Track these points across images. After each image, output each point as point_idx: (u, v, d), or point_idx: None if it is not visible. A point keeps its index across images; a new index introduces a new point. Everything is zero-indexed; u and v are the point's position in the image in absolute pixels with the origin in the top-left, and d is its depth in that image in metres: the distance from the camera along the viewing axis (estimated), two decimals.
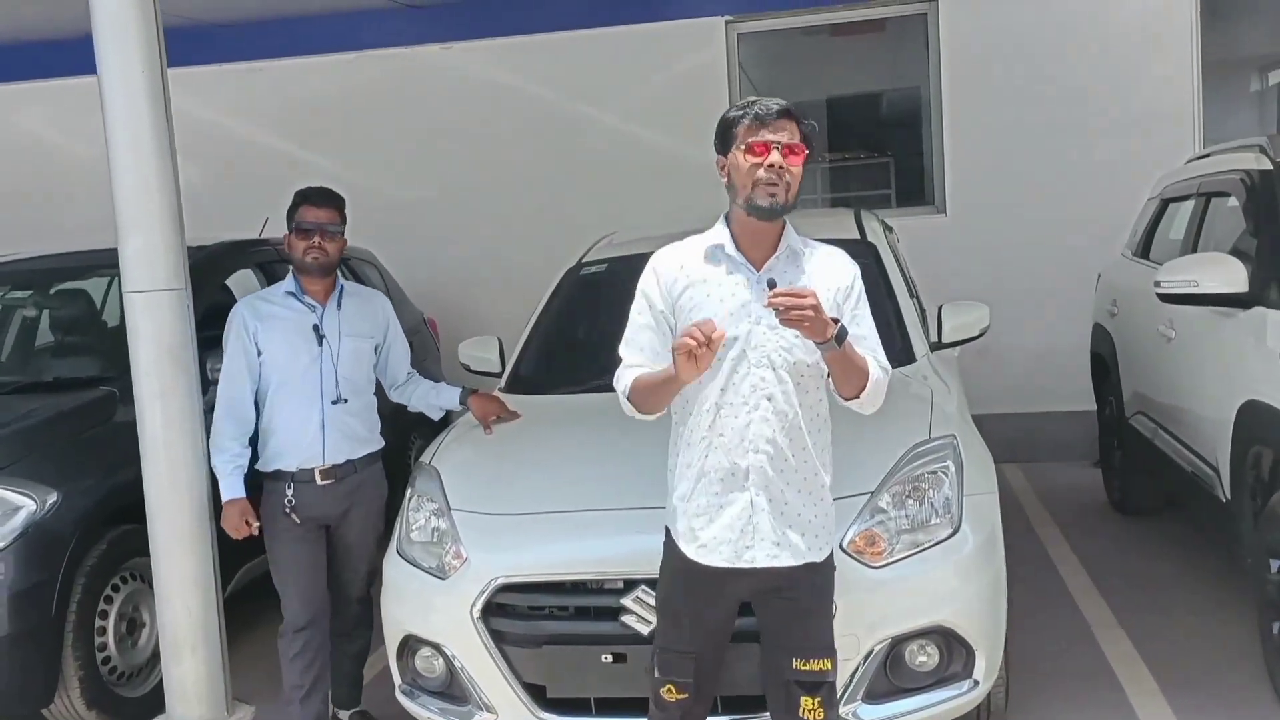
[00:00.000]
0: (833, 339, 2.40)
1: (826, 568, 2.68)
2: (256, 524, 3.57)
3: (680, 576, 2.67)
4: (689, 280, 2.61)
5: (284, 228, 3.69)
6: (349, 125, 8.06)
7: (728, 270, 2.59)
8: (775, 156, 2.49)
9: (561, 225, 6.70)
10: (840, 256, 2.70)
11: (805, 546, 2.60)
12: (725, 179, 2.60)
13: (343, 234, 3.70)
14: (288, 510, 3.59)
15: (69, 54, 7.10)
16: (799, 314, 2.33)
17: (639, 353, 2.66)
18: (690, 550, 2.62)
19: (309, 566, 3.66)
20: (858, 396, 2.57)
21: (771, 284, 2.44)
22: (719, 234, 2.63)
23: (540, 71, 7.83)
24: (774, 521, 2.57)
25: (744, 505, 2.57)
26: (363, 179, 7.97)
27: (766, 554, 2.57)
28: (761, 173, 2.49)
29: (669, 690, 2.71)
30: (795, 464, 2.58)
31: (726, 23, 7.63)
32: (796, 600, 2.62)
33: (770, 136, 2.50)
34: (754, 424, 2.55)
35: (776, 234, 2.61)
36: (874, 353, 2.61)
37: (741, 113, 2.54)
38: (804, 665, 2.62)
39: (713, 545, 2.59)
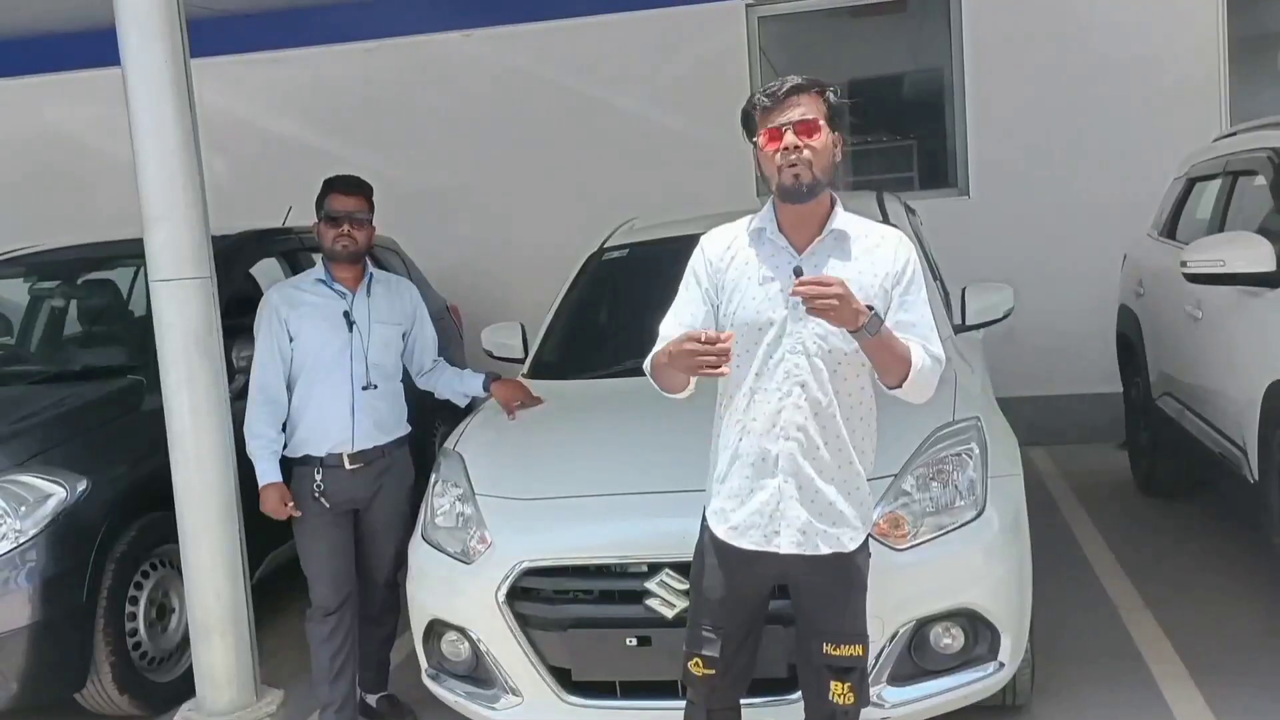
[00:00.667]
0: (864, 328, 2.36)
1: (859, 556, 2.64)
2: (294, 507, 3.60)
3: (712, 556, 2.67)
4: (733, 259, 2.61)
5: (307, 217, 3.72)
6: (371, 114, 8.08)
7: (770, 253, 2.57)
8: (789, 138, 2.46)
9: (583, 211, 6.69)
10: (894, 240, 2.62)
11: (836, 536, 2.57)
12: (758, 171, 2.60)
13: (371, 222, 3.75)
14: (317, 495, 3.63)
15: (95, 46, 7.12)
16: (824, 303, 2.30)
17: (676, 326, 2.63)
18: (721, 531, 2.63)
19: (338, 551, 3.70)
20: (901, 385, 2.52)
21: (798, 271, 2.43)
22: (765, 217, 2.62)
23: (561, 57, 7.82)
24: (802, 509, 2.55)
25: (773, 491, 2.56)
26: (385, 167, 7.98)
27: (792, 540, 2.56)
28: (779, 157, 2.47)
29: (696, 664, 2.70)
30: (828, 453, 2.55)
31: (747, 6, 7.59)
32: (827, 586, 2.62)
33: (781, 119, 2.47)
34: (785, 410, 2.53)
35: (821, 216, 2.56)
36: (925, 340, 2.55)
37: (755, 101, 2.53)
38: (835, 650, 2.61)
39: (743, 528, 2.60)
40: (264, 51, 8.13)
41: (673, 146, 7.48)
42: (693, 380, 2.55)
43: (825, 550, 2.57)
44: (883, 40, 8.28)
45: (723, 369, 2.36)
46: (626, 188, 7.39)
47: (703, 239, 2.71)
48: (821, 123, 2.49)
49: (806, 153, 2.46)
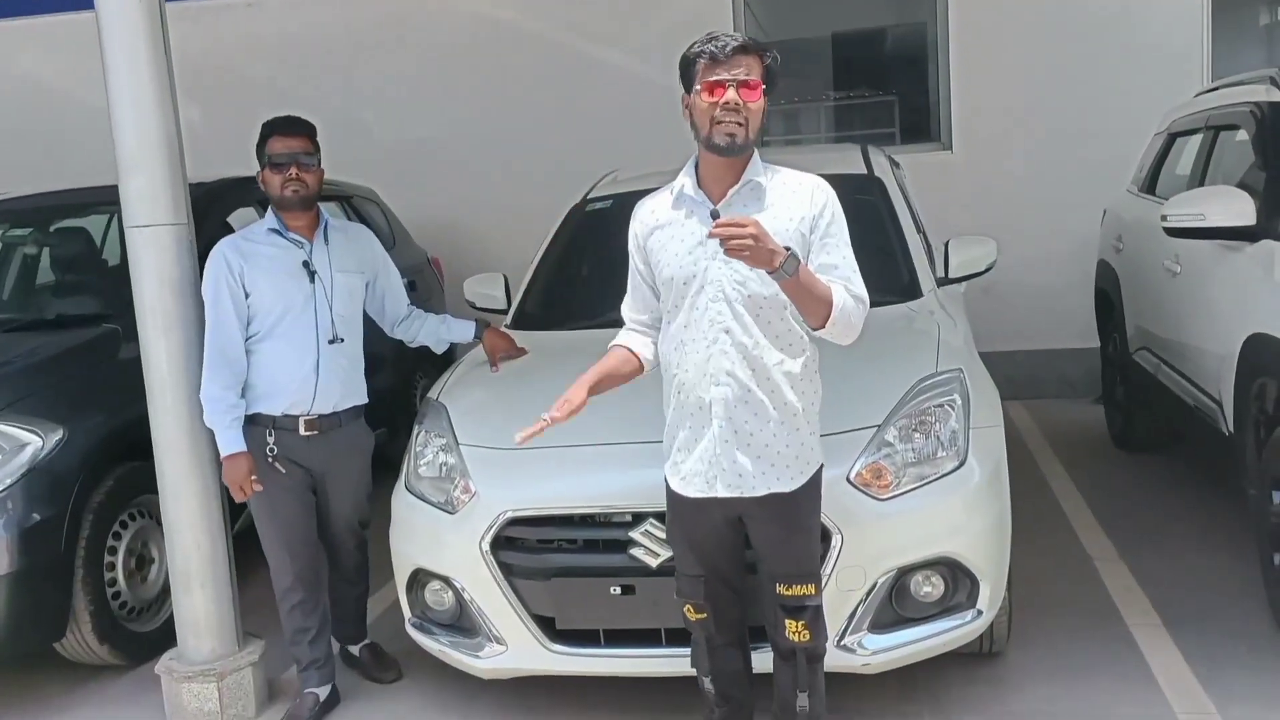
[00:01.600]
0: (781, 268, 2.41)
1: (803, 496, 2.68)
2: (257, 482, 3.45)
3: (672, 506, 2.79)
4: (656, 224, 2.71)
5: None
6: (352, 62, 7.97)
7: (688, 211, 2.65)
8: (731, 95, 2.50)
9: (566, 163, 6.63)
10: (809, 184, 2.67)
11: (774, 477, 2.63)
12: (687, 118, 2.62)
13: (319, 163, 3.56)
14: (271, 459, 3.48)
15: None
16: (739, 243, 2.35)
17: (632, 309, 2.88)
18: (674, 482, 2.73)
19: (297, 519, 3.57)
20: (825, 325, 2.58)
21: (715, 215, 2.50)
22: (684, 176, 2.68)
23: (545, 9, 7.72)
24: (738, 452, 2.62)
25: (711, 437, 2.63)
26: (366, 116, 7.93)
27: (728, 484, 2.63)
28: (718, 112, 2.51)
29: (689, 610, 2.83)
30: (760, 394, 2.60)
31: None
32: (774, 527, 2.68)
33: (725, 75, 2.51)
34: (714, 357, 2.60)
35: (739, 168, 2.62)
36: (846, 281, 2.61)
37: (698, 51, 2.55)
38: (786, 590, 2.69)
39: (690, 476, 2.68)
40: None
41: (656, 100, 7.34)
42: (646, 362, 2.79)
43: (763, 491, 2.63)
44: None
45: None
46: (609, 141, 7.32)
47: (634, 210, 2.80)
48: (762, 85, 2.55)
49: (744, 112, 2.52)
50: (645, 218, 2.74)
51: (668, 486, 2.77)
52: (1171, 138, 5.64)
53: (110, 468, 4.06)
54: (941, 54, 7.42)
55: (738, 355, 2.59)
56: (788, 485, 2.65)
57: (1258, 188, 4.08)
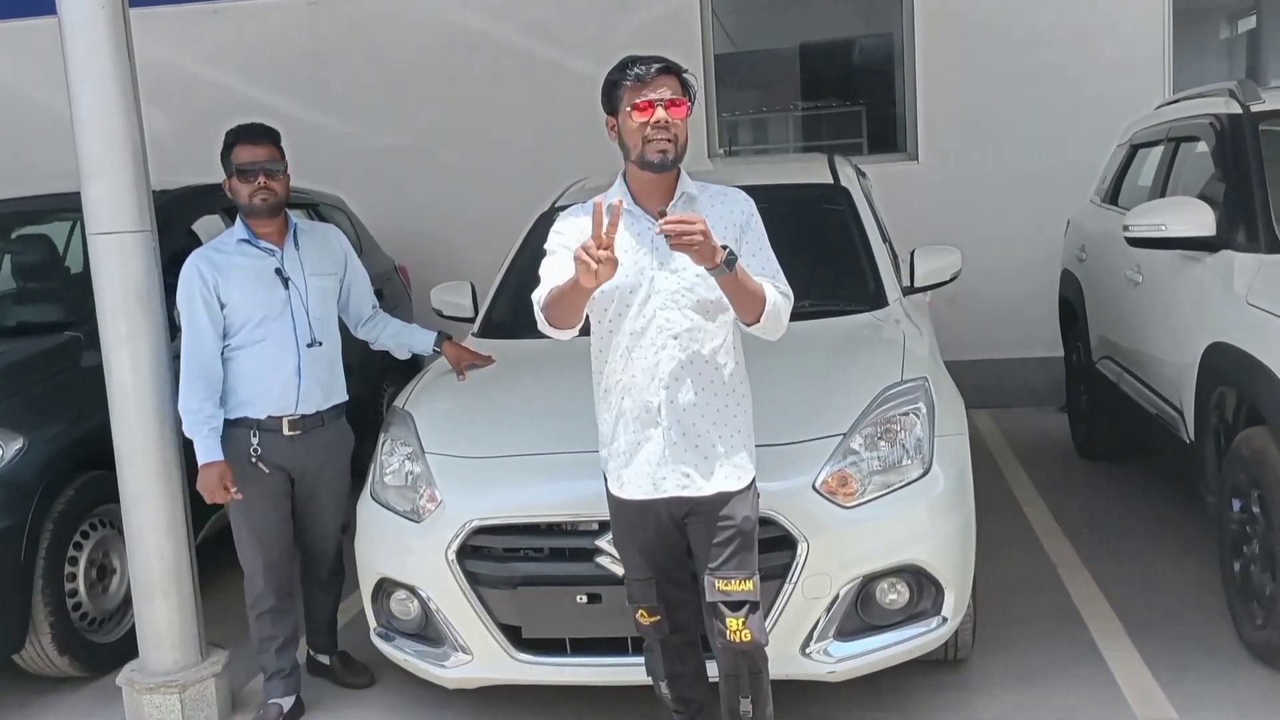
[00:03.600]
0: (722, 264, 2.50)
1: (747, 494, 2.75)
2: (237, 491, 3.45)
3: (616, 513, 2.84)
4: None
5: None
6: (318, 69, 7.92)
7: (628, 223, 2.68)
8: (660, 113, 2.60)
9: (534, 171, 6.65)
10: (734, 194, 2.82)
11: (722, 475, 2.70)
12: (615, 139, 2.72)
13: (285, 170, 3.56)
14: (254, 459, 3.49)
15: None
16: (689, 239, 2.43)
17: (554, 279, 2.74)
18: (615, 488, 2.78)
19: (273, 522, 3.58)
20: (759, 321, 2.66)
21: (662, 213, 2.55)
22: (618, 191, 2.74)
23: (513, 16, 7.71)
24: (686, 453, 2.69)
25: (658, 440, 2.70)
26: (332, 124, 7.88)
27: (677, 483, 2.70)
28: (650, 130, 2.61)
29: (642, 615, 2.88)
30: (706, 396, 2.70)
31: None
32: (717, 525, 2.72)
33: (652, 95, 2.61)
34: (662, 362, 2.68)
35: (671, 183, 2.72)
36: (774, 279, 2.73)
37: (621, 75, 2.66)
38: (725, 586, 2.71)
39: (634, 480, 2.73)
40: (205, 2, 7.92)
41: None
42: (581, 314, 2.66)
43: (710, 491, 2.70)
44: (834, 5, 8.28)
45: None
46: (577, 147, 7.28)
47: (556, 222, 2.81)
48: (689, 104, 2.67)
49: (674, 129, 2.62)
50: (577, 232, 2.67)
51: (609, 494, 2.82)
52: (1134, 149, 5.71)
53: (71, 477, 4.01)
54: (908, 65, 7.48)
55: (685, 359, 2.68)
56: (734, 484, 2.72)
57: (1217, 199, 4.14)
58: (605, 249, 2.40)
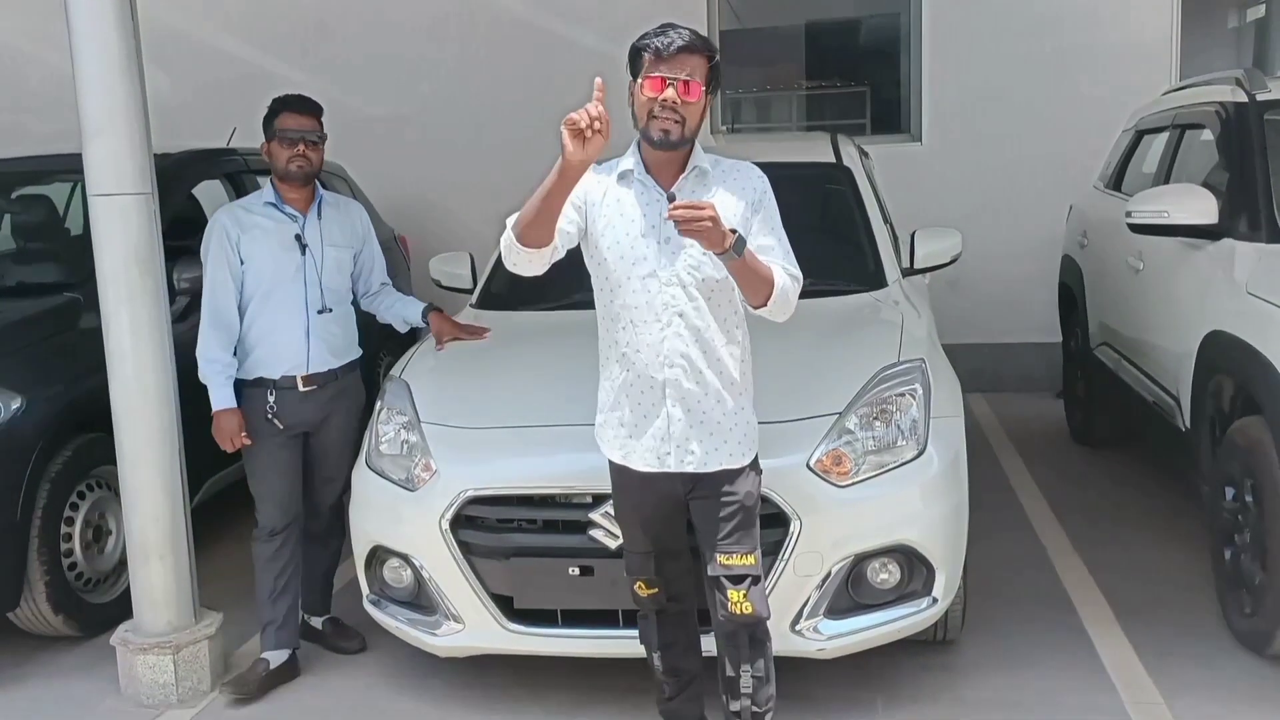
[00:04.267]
0: (731, 249, 2.48)
1: (749, 471, 2.77)
2: (246, 438, 3.59)
3: (617, 483, 2.86)
4: (605, 196, 2.72)
5: (251, 139, 3.64)
6: (322, 36, 7.88)
7: (638, 193, 2.69)
8: (670, 93, 2.56)
9: (535, 142, 6.56)
10: (747, 170, 2.77)
11: (726, 453, 2.72)
12: (630, 105, 2.67)
13: (324, 142, 3.70)
14: (270, 416, 3.62)
15: None
16: (698, 225, 2.41)
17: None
18: (617, 457, 2.80)
19: (287, 473, 3.70)
20: (766, 304, 2.64)
21: (671, 197, 2.56)
22: (630, 159, 2.73)
23: None
24: (690, 430, 2.70)
25: (663, 416, 2.70)
26: (335, 92, 7.76)
27: (680, 460, 2.71)
28: (656, 108, 2.58)
29: (640, 586, 2.91)
30: (710, 375, 2.69)
31: None
32: (720, 501, 2.73)
33: (667, 72, 2.56)
34: (668, 339, 2.67)
35: (683, 156, 2.69)
36: (783, 261, 2.70)
37: (645, 44, 2.61)
38: (727, 560, 2.73)
39: (638, 452, 2.74)
40: None
41: (627, 81, 7.39)
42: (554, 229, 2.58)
43: (714, 467, 2.71)
44: None
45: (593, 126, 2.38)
46: None
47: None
48: (702, 86, 2.60)
49: (682, 111, 2.58)
50: (596, 186, 2.73)
51: (611, 465, 2.82)
52: (1139, 135, 5.69)
53: (69, 437, 4.02)
54: (913, 46, 7.45)
55: (691, 337, 2.67)
56: (737, 461, 2.73)
57: (1221, 187, 4.13)
58: (598, 118, 2.35)
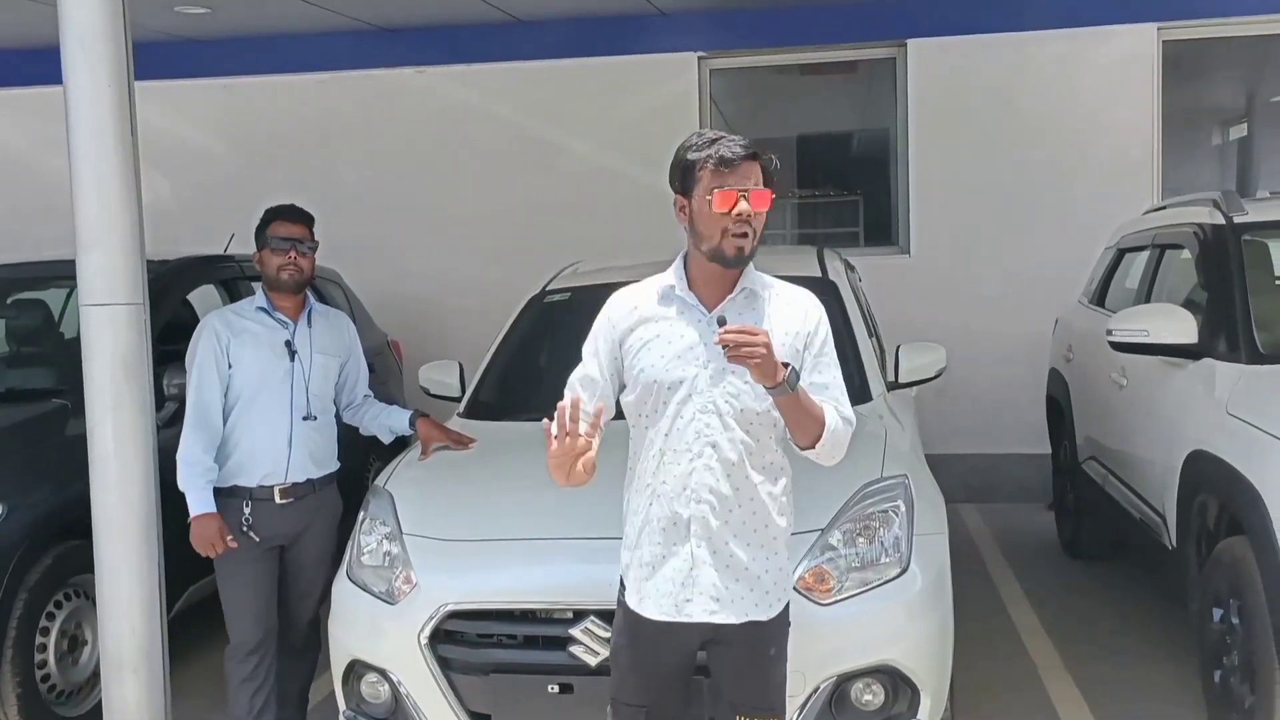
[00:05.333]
0: (784, 383, 2.32)
1: (776, 625, 2.57)
2: (231, 541, 3.51)
3: (627, 627, 2.59)
4: (639, 319, 2.54)
5: (248, 245, 3.68)
6: (321, 144, 8.05)
7: (678, 311, 2.52)
8: (744, 206, 2.38)
9: (530, 252, 6.71)
10: (804, 299, 2.59)
11: (752, 603, 2.50)
12: (685, 221, 2.49)
13: (315, 251, 3.73)
14: (245, 529, 3.56)
15: (44, 62, 7.07)
16: (749, 351, 2.25)
17: (577, 388, 2.58)
18: (633, 601, 2.55)
19: (261, 588, 3.63)
20: (813, 446, 2.46)
21: (722, 321, 2.37)
22: (673, 275, 2.55)
23: (514, 98, 7.86)
24: (717, 575, 2.47)
25: (685, 557, 2.47)
26: (333, 198, 7.94)
27: (704, 609, 2.47)
28: (730, 224, 2.39)
29: None
30: (742, 515, 2.48)
31: (699, 58, 7.71)
32: (743, 656, 2.55)
33: (737, 184, 2.38)
34: (696, 472, 2.45)
35: (735, 276, 2.51)
36: (836, 402, 2.51)
37: (704, 155, 2.41)
38: None
39: (655, 597, 2.50)
40: (216, 77, 8.09)
41: (622, 190, 7.54)
42: (594, 469, 2.40)
43: (738, 619, 2.49)
44: (832, 98, 8.45)
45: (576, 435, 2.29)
46: (574, 229, 7.43)
47: (608, 301, 2.63)
48: (771, 194, 2.43)
49: (755, 223, 2.41)
50: (625, 310, 2.55)
51: (625, 606, 2.58)
52: (1120, 253, 5.78)
53: (49, 545, 4.01)
54: (901, 159, 7.61)
55: (722, 471, 2.44)
56: (765, 613, 2.51)
57: (1201, 306, 4.19)
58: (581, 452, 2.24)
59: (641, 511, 2.53)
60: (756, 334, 2.28)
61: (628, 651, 2.61)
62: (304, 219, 3.73)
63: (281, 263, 3.63)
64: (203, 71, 8.05)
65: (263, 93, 8.10)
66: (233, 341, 3.61)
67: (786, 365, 2.34)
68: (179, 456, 3.55)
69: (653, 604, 2.50)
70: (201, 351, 3.60)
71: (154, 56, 7.29)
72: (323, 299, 6.16)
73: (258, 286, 3.89)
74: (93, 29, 3.44)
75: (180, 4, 6.96)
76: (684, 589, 2.48)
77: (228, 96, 8.14)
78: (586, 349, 2.62)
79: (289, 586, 3.74)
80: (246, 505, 3.57)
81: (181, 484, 3.53)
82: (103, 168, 3.49)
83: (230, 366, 3.60)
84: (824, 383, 2.53)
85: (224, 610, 3.65)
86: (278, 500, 3.60)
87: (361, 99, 8.01)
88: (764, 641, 2.55)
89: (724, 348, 2.28)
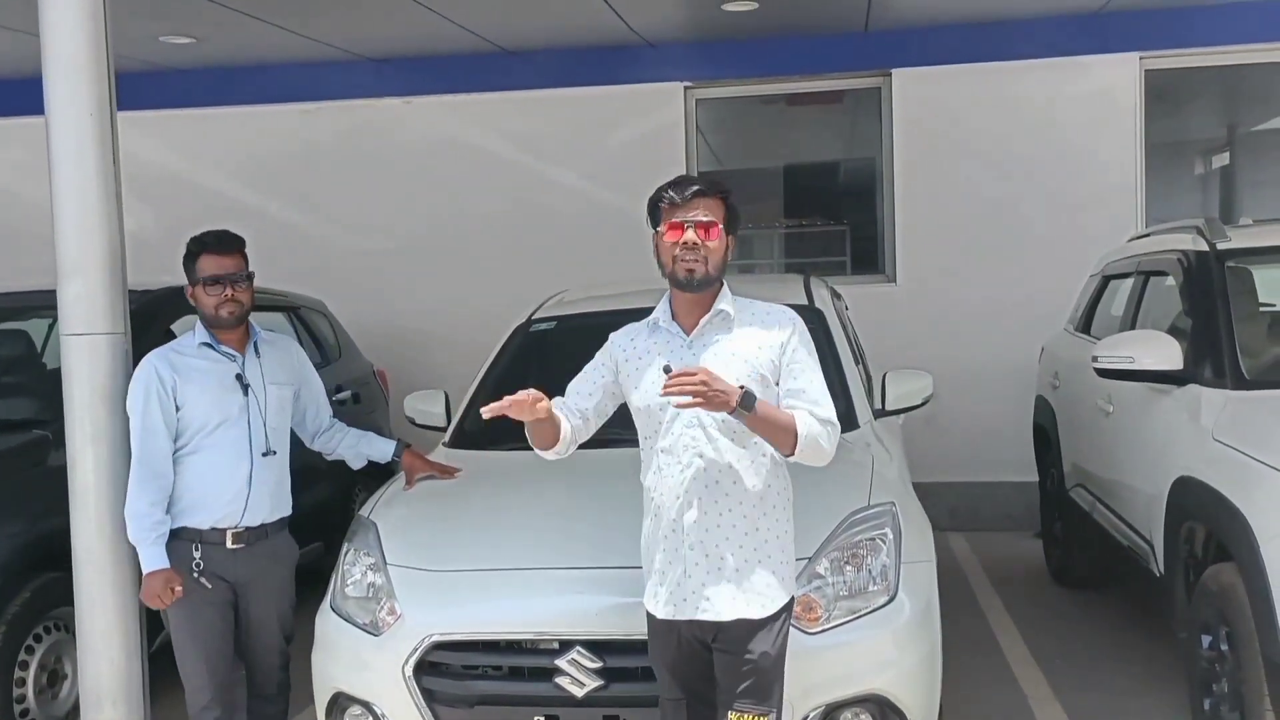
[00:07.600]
0: (739, 407, 2.51)
1: (773, 623, 2.70)
2: (178, 589, 3.35)
3: (649, 628, 2.83)
4: (634, 350, 2.84)
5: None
6: (307, 174, 8.06)
7: (663, 340, 2.79)
8: (690, 235, 2.68)
9: (517, 281, 6.70)
10: (777, 313, 2.82)
11: (742, 601, 2.67)
12: (656, 255, 2.79)
13: (251, 279, 3.50)
14: (196, 573, 3.38)
15: (28, 93, 7.07)
16: (693, 391, 2.46)
17: (575, 391, 2.90)
18: (648, 604, 2.79)
19: (215, 635, 3.44)
20: (793, 453, 2.65)
21: (667, 370, 2.58)
22: (661, 306, 2.83)
23: (501, 129, 7.89)
24: (707, 575, 2.67)
25: (682, 560, 2.69)
26: (318, 228, 8.00)
27: (696, 607, 2.68)
28: (679, 251, 2.69)
29: None
30: (732, 519, 2.68)
31: (686, 89, 7.75)
32: (739, 653, 2.68)
33: (685, 216, 2.69)
34: (686, 480, 2.69)
35: (709, 300, 2.77)
36: (814, 404, 2.70)
37: (663, 194, 2.74)
38: (737, 718, 2.66)
39: (661, 598, 2.73)
40: (201, 108, 8.09)
41: (608, 220, 7.54)
42: (563, 437, 2.79)
43: (730, 617, 2.66)
44: (818, 128, 8.51)
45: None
46: (561, 259, 7.44)
47: (612, 336, 2.93)
48: (720, 226, 2.72)
49: (703, 251, 2.68)
50: (625, 344, 2.87)
51: (646, 609, 2.81)
52: (1105, 280, 5.81)
53: (29, 578, 3.96)
54: (887, 189, 7.66)
55: (712, 478, 2.68)
56: (757, 611, 2.68)
57: (1185, 333, 4.20)
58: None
59: (649, 520, 2.80)
60: (693, 374, 2.49)
61: (654, 650, 2.84)
62: (235, 246, 3.46)
63: (218, 301, 3.40)
64: (187, 101, 8.05)
65: (247, 122, 8.10)
66: (179, 381, 3.39)
67: (742, 388, 2.54)
68: (127, 511, 3.36)
69: (660, 605, 2.74)
70: (143, 396, 3.37)
71: (138, 85, 7.31)
72: (309, 329, 6.15)
73: (196, 320, 3.61)
74: (75, 59, 3.45)
75: (165, 34, 6.97)
76: (680, 589, 2.70)
77: (212, 126, 8.12)
78: (594, 365, 2.92)
79: (251, 634, 3.56)
80: (196, 549, 3.38)
81: (131, 538, 3.37)
82: (84, 197, 3.50)
83: (179, 408, 3.38)
84: (799, 388, 2.72)
85: (178, 664, 3.48)
86: (229, 545, 3.41)
87: (348, 129, 8.02)
88: (759, 638, 2.68)
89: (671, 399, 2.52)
